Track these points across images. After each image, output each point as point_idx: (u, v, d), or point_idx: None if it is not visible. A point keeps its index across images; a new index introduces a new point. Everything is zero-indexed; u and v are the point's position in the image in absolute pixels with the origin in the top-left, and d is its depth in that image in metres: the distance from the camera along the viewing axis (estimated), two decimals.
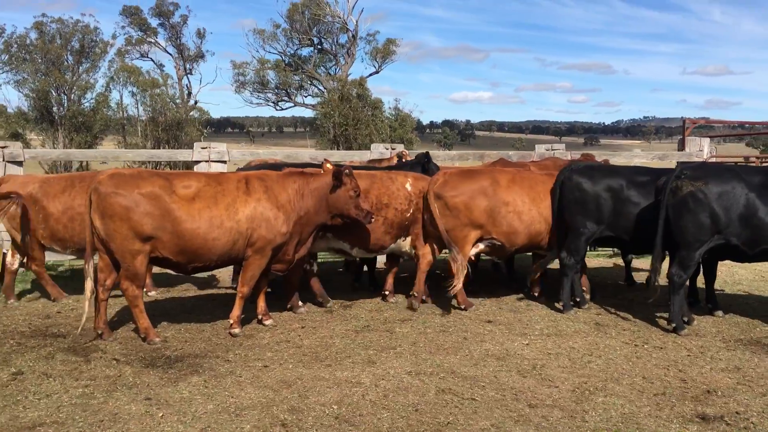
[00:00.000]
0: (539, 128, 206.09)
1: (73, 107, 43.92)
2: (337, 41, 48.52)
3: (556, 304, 7.38)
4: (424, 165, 8.53)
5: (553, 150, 10.44)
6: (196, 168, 9.54)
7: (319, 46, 48.87)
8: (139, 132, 44.37)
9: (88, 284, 5.99)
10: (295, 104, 49.66)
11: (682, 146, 10.85)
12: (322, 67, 49.79)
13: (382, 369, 5.43)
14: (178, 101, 48.10)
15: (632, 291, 8.37)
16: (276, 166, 7.71)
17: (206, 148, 9.58)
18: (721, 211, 6.21)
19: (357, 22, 45.82)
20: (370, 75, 46.36)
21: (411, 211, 7.19)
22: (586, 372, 5.37)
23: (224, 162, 9.63)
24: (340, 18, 46.93)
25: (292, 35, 48.65)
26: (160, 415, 4.52)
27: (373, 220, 6.65)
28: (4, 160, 8.81)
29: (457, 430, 4.33)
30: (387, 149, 10.16)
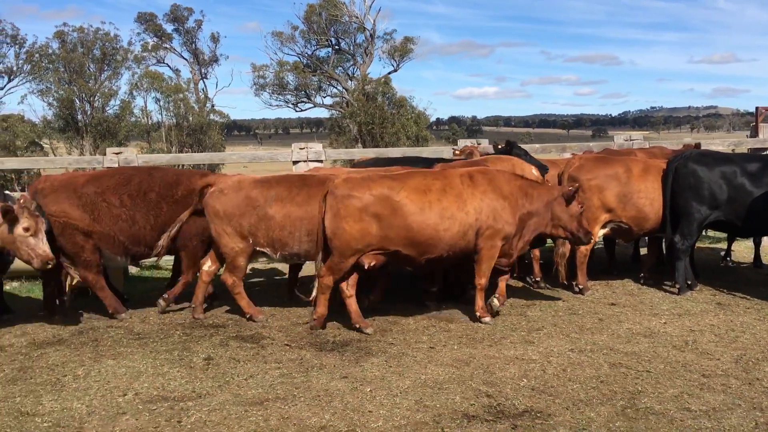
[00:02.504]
0: (546, 122, 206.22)
1: (98, 114, 44.38)
2: (354, 41, 48.70)
3: (665, 287, 7.73)
4: (507, 153, 8.91)
5: (631, 140, 10.77)
6: (294, 168, 9.91)
7: (336, 47, 49.03)
8: (164, 137, 44.84)
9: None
10: (315, 105, 50.01)
11: (755, 133, 11.18)
12: (340, 68, 49.98)
13: (543, 347, 5.79)
14: (194, 106, 48.53)
15: (731, 273, 8.70)
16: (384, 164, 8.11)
17: (304, 148, 9.96)
18: None
19: (374, 21, 46.03)
20: (389, 73, 46.56)
21: None
22: (739, 345, 5.73)
23: (321, 161, 9.99)
24: (357, 18, 47.13)
25: (309, 36, 48.79)
26: (368, 390, 4.89)
27: (591, 240, 6.91)
28: (119, 165, 9.19)
29: (650, 397, 4.69)
30: (473, 143, 10.51)
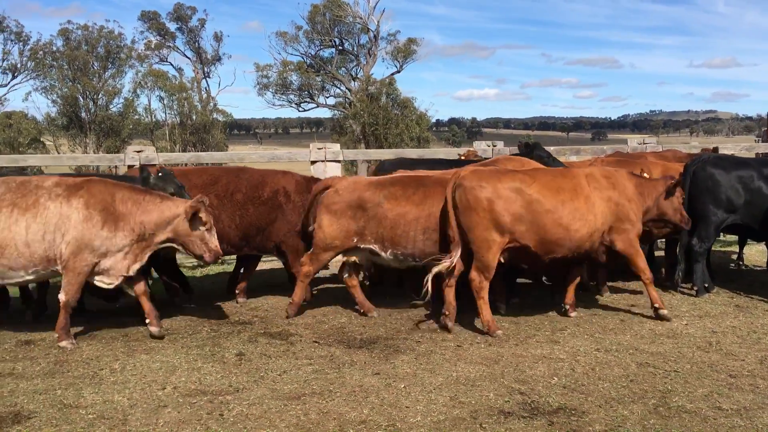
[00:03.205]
0: (545, 124, 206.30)
1: (102, 112, 44.39)
2: (358, 42, 48.74)
3: (682, 289, 7.83)
4: (526, 155, 9.01)
5: (645, 144, 10.88)
6: (312, 168, 9.98)
7: (340, 47, 49.06)
8: (167, 135, 44.88)
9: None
10: (318, 105, 50.07)
11: (767, 137, 11.33)
12: (343, 68, 50.01)
13: (569, 347, 5.88)
14: (197, 105, 48.58)
15: (747, 276, 8.81)
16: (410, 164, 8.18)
17: (322, 148, 10.03)
18: None
19: (378, 22, 46.10)
20: (393, 74, 46.62)
21: None
22: (762, 347, 5.83)
23: (339, 161, 10.07)
24: (361, 18, 47.19)
25: (313, 37, 48.81)
26: (402, 386, 4.98)
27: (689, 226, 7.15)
28: (140, 164, 9.25)
29: (681, 396, 4.78)
30: (489, 146, 10.62)
